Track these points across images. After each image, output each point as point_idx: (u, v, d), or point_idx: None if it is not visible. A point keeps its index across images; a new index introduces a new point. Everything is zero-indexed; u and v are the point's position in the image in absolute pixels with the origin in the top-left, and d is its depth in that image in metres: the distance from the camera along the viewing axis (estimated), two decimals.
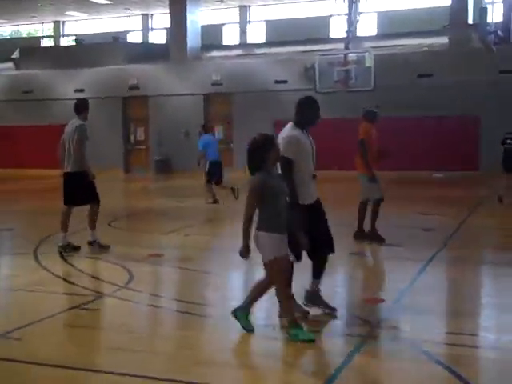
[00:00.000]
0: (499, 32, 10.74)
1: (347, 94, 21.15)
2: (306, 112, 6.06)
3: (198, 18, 26.63)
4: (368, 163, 9.24)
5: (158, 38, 34.33)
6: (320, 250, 5.80)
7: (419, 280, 7.18)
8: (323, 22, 31.11)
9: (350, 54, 20.88)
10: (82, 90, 27.09)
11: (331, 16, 31.42)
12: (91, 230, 9.27)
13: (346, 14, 24.23)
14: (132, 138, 26.56)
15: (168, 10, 31.87)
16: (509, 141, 14.52)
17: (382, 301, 6.36)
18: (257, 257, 5.29)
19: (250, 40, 32.61)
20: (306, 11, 31.73)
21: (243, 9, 32.65)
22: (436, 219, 11.83)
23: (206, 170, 15.00)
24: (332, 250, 5.94)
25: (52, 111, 27.32)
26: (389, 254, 8.77)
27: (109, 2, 31.47)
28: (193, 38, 26.18)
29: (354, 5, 21.77)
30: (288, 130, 5.94)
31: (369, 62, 20.26)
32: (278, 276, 5.13)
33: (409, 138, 22.28)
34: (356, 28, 23.37)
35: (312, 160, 5.96)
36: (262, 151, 5.21)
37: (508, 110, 21.12)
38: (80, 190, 9.02)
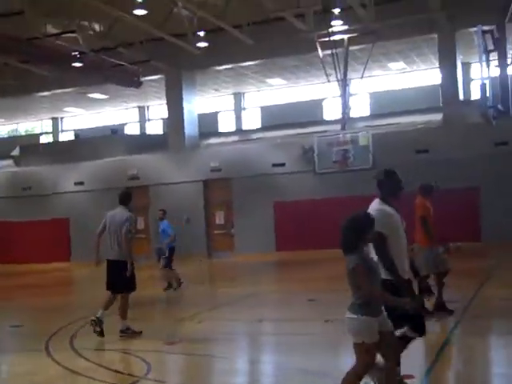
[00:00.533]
0: (499, 106, 10.96)
1: (346, 173, 21.39)
2: (388, 185, 5.94)
3: (194, 108, 27.21)
4: (433, 237, 9.24)
5: (155, 128, 34.91)
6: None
7: (444, 353, 7.01)
8: (316, 105, 31.74)
9: (348, 135, 21.25)
10: (81, 183, 27.39)
11: (324, 99, 32.09)
12: (123, 320, 9.33)
13: (339, 96, 24.90)
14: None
15: (164, 101, 32.83)
16: None
17: (412, 377, 6.15)
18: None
19: (245, 126, 33.18)
20: (299, 95, 32.45)
21: (238, 96, 33.37)
22: (451, 291, 11.68)
23: (167, 255, 14.92)
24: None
25: (53, 205, 27.52)
26: None
27: (105, 97, 32.19)
28: (190, 127, 26.67)
29: (347, 87, 22.31)
30: (376, 204, 5.79)
31: (366, 141, 20.66)
32: (362, 362, 4.89)
33: (411, 213, 22.30)
34: (350, 109, 23.82)
35: (403, 234, 5.81)
36: (361, 230, 5.01)
37: (506, 180, 21.36)
38: (122, 278, 9.15)
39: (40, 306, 14.01)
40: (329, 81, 22.95)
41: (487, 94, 11.29)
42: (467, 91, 27.45)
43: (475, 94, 28.25)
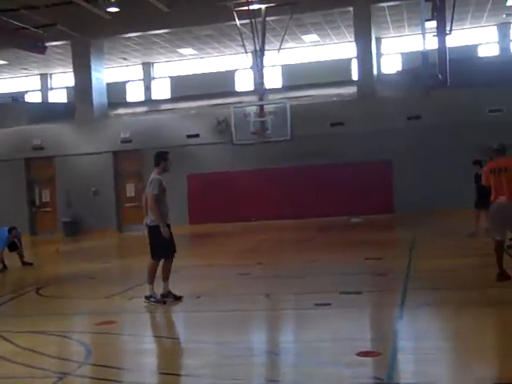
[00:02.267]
0: (440, 76, 10.90)
1: (264, 145, 21.12)
2: None
3: (102, 76, 26.00)
4: None
5: (59, 97, 33.25)
6: None
7: (404, 326, 6.84)
8: (228, 76, 31.26)
9: (265, 106, 20.91)
10: None
11: (236, 70, 31.64)
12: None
13: (250, 68, 24.57)
14: (37, 199, 25.20)
15: (68, 69, 31.26)
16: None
17: (379, 354, 5.92)
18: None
19: (154, 96, 32.21)
20: (210, 66, 31.81)
21: (147, 65, 32.30)
22: (381, 263, 11.70)
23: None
24: None
25: None
26: (355, 303, 8.40)
27: (4, 63, 30.25)
28: (99, 96, 25.49)
29: (261, 58, 21.90)
30: None
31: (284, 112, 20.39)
32: None
33: (327, 186, 22.46)
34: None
35: None
36: None
37: (418, 154, 21.81)
38: (158, 243, 8.85)
39: None
40: (246, 51, 22.48)
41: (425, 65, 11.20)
42: (379, 66, 27.78)
43: (387, 69, 28.76)
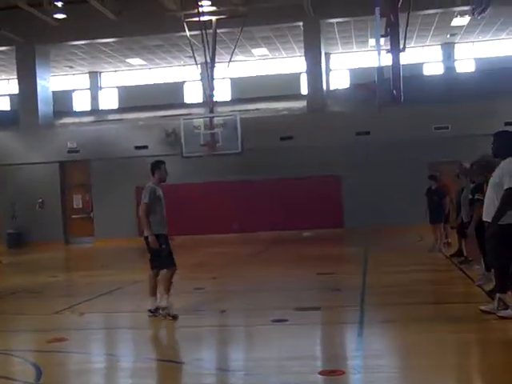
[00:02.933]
0: (394, 91, 11.00)
1: (214, 158, 20.99)
2: None
3: (48, 84, 25.40)
4: None
5: (1, 104, 32.35)
6: None
7: (365, 343, 6.77)
8: (177, 88, 31.05)
9: (215, 118, 20.80)
10: None
11: (185, 82, 31.46)
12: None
13: (200, 80, 24.43)
14: None
15: (11, 76, 30.48)
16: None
17: (343, 372, 5.83)
18: None
19: (101, 106, 31.69)
20: (159, 77, 31.55)
21: (93, 75, 31.78)
22: (337, 278, 11.69)
23: None
24: None
25: None
26: (312, 319, 8.32)
27: None
28: (44, 105, 24.86)
29: (211, 70, 21.79)
30: None
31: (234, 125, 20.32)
32: None
33: (277, 199, 22.46)
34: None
35: None
36: None
37: (366, 170, 22.04)
38: (152, 254, 8.73)
39: None
40: (196, 62, 22.41)
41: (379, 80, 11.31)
42: (328, 81, 28.05)
43: (335, 84, 29.08)
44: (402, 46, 11.33)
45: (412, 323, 7.55)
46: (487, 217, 7.49)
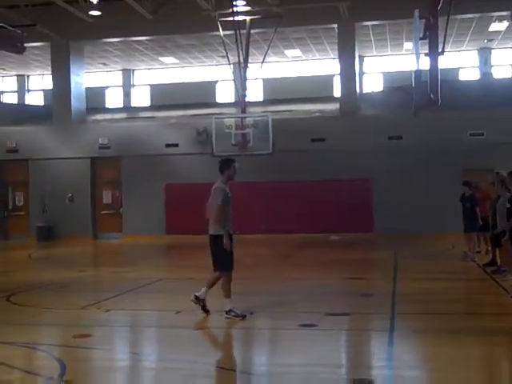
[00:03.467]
0: (432, 95, 10.76)
1: (245, 157, 20.84)
2: None
3: (82, 80, 25.56)
4: None
5: (35, 100, 32.65)
6: None
7: (395, 353, 6.58)
8: (209, 87, 31.02)
9: (248, 118, 20.68)
10: None
11: (217, 81, 31.42)
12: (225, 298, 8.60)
13: (233, 80, 24.34)
14: (10, 203, 24.59)
15: (46, 71, 30.75)
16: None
17: (372, 381, 5.67)
18: None
19: (133, 103, 31.80)
20: (191, 76, 31.55)
21: (127, 72, 31.91)
22: (366, 284, 11.49)
23: None
24: None
25: None
26: (342, 325, 8.15)
27: None
28: (77, 101, 25.01)
29: (244, 70, 21.68)
30: None
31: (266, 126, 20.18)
32: None
33: (306, 201, 22.27)
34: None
35: None
36: None
37: (397, 174, 21.73)
38: (215, 254, 8.57)
39: None
40: (229, 61, 22.27)
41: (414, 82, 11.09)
42: (361, 84, 27.80)
43: (368, 87, 28.79)
44: (440, 50, 11.07)
45: (444, 334, 7.34)
46: None
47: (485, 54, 29.42)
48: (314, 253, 17.95)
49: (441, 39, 11.21)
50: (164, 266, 16.65)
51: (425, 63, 11.45)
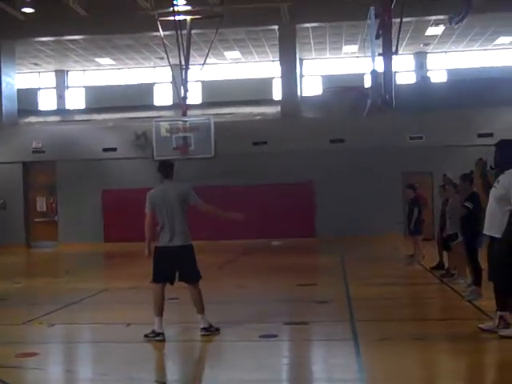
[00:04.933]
0: (387, 96, 10.62)
1: (186, 162, 20.39)
2: None
3: (13, 81, 24.52)
4: None
5: None
6: None
7: (366, 365, 6.29)
8: (146, 90, 30.36)
9: (188, 121, 20.23)
10: None
11: (154, 83, 30.82)
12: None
13: (173, 82, 23.82)
14: None
15: None
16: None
17: None
18: None
19: (68, 106, 30.80)
20: (127, 78, 30.82)
21: (60, 73, 30.88)
22: (319, 290, 11.26)
23: None
24: None
25: None
26: (304, 335, 7.85)
27: None
28: (9, 102, 23.99)
29: (185, 72, 21.22)
30: None
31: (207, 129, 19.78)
32: None
33: (250, 206, 21.93)
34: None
35: None
36: None
37: (339, 177, 21.72)
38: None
39: None
40: (169, 63, 21.73)
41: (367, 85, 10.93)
42: (300, 87, 27.72)
43: (307, 91, 28.78)
44: (394, 49, 10.96)
45: (411, 342, 7.12)
46: (491, 230, 7.14)
47: (421, 59, 29.90)
48: (258, 259, 17.64)
49: (394, 40, 11.09)
50: (105, 275, 16.01)
51: (378, 64, 11.33)
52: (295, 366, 6.52)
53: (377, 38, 11.00)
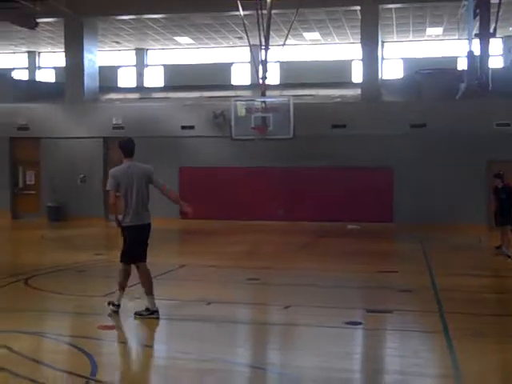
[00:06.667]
0: (484, 79, 10.06)
1: (264, 142, 20.25)
2: None
3: (95, 58, 24.87)
4: None
5: (45, 77, 31.94)
6: None
7: (462, 363, 5.90)
8: (224, 69, 30.29)
9: (268, 101, 19.99)
10: None
11: (233, 63, 30.71)
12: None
13: (252, 62, 23.61)
14: (21, 181, 23.98)
15: (57, 49, 30.08)
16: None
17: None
18: None
19: (146, 84, 31.09)
20: (206, 57, 30.83)
21: (140, 52, 31.17)
22: (401, 277, 10.88)
23: None
24: None
25: None
26: (389, 324, 7.55)
27: None
28: (90, 79, 24.34)
29: (265, 52, 20.94)
30: None
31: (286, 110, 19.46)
32: None
33: (325, 189, 21.65)
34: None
35: None
36: None
37: (419, 163, 21.08)
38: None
39: None
40: (249, 43, 21.51)
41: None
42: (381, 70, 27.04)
43: (388, 74, 28.07)
44: (492, 30, 10.36)
45: (509, 339, 6.70)
46: None
47: (509, 43, 28.63)
48: (335, 242, 17.32)
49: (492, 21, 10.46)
50: (182, 251, 16.09)
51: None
52: (384, 358, 6.25)
53: (474, 17, 10.42)
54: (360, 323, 7.39)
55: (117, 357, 6.38)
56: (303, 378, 5.50)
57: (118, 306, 7.75)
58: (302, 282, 10.37)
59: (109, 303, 7.82)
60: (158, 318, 7.53)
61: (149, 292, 7.70)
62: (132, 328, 7.52)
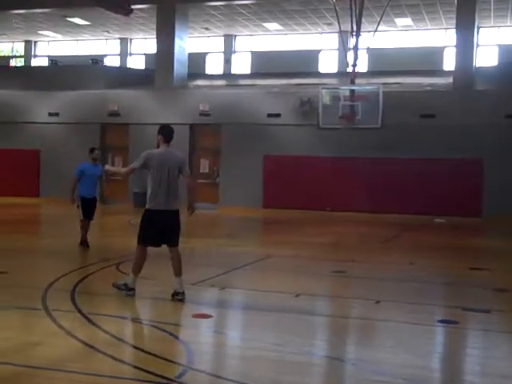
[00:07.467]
0: None
1: (352, 131, 19.99)
2: None
3: (185, 45, 25.20)
4: None
5: (136, 63, 32.67)
6: None
7: None
8: (312, 57, 30.03)
9: (357, 89, 19.69)
10: (56, 114, 25.28)
11: (320, 50, 30.40)
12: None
13: (341, 49, 23.27)
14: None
15: (148, 36, 30.67)
16: None
17: None
18: None
19: (233, 70, 31.27)
20: (293, 44, 30.65)
21: (228, 38, 31.36)
22: (494, 276, 10.49)
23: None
24: None
25: (23, 135, 25.43)
26: (489, 325, 7.24)
27: (86, 23, 29.78)
28: (180, 65, 24.73)
29: (356, 39, 20.58)
30: None
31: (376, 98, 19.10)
32: None
33: (412, 180, 21.19)
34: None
35: None
36: None
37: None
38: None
39: (18, 247, 12.18)
40: (340, 29, 21.22)
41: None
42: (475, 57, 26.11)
43: (482, 61, 27.07)
44: None
45: None
46: None
47: None
48: (422, 236, 16.91)
49: None
50: (266, 241, 16.09)
51: None
52: (482, 360, 6.00)
53: None
54: (455, 322, 7.15)
55: (213, 347, 6.37)
56: (388, 373, 5.34)
57: (133, 289, 7.89)
58: (390, 277, 10.17)
59: (122, 286, 7.93)
60: (182, 301, 7.66)
61: (178, 274, 7.91)
62: (227, 318, 7.55)
